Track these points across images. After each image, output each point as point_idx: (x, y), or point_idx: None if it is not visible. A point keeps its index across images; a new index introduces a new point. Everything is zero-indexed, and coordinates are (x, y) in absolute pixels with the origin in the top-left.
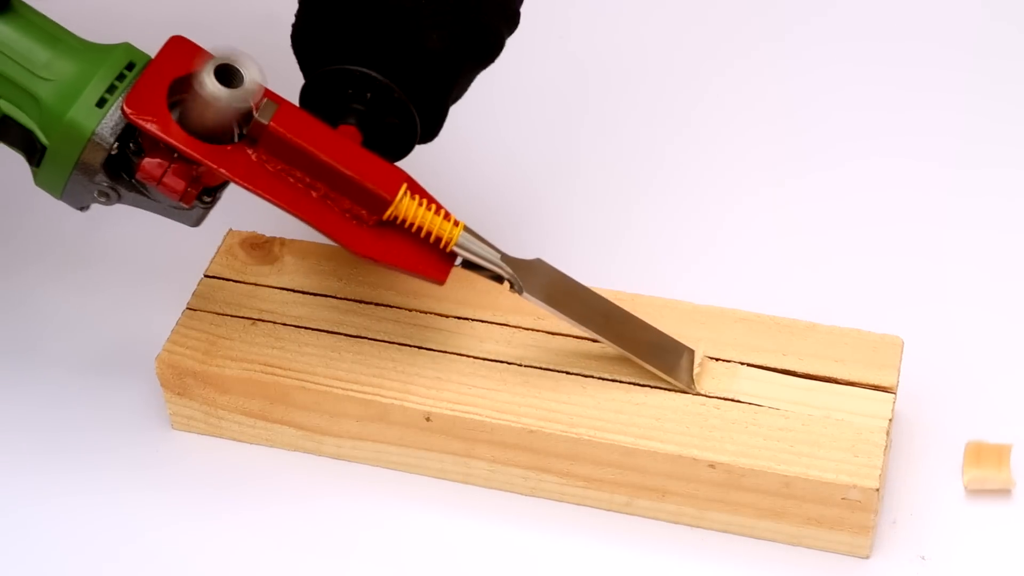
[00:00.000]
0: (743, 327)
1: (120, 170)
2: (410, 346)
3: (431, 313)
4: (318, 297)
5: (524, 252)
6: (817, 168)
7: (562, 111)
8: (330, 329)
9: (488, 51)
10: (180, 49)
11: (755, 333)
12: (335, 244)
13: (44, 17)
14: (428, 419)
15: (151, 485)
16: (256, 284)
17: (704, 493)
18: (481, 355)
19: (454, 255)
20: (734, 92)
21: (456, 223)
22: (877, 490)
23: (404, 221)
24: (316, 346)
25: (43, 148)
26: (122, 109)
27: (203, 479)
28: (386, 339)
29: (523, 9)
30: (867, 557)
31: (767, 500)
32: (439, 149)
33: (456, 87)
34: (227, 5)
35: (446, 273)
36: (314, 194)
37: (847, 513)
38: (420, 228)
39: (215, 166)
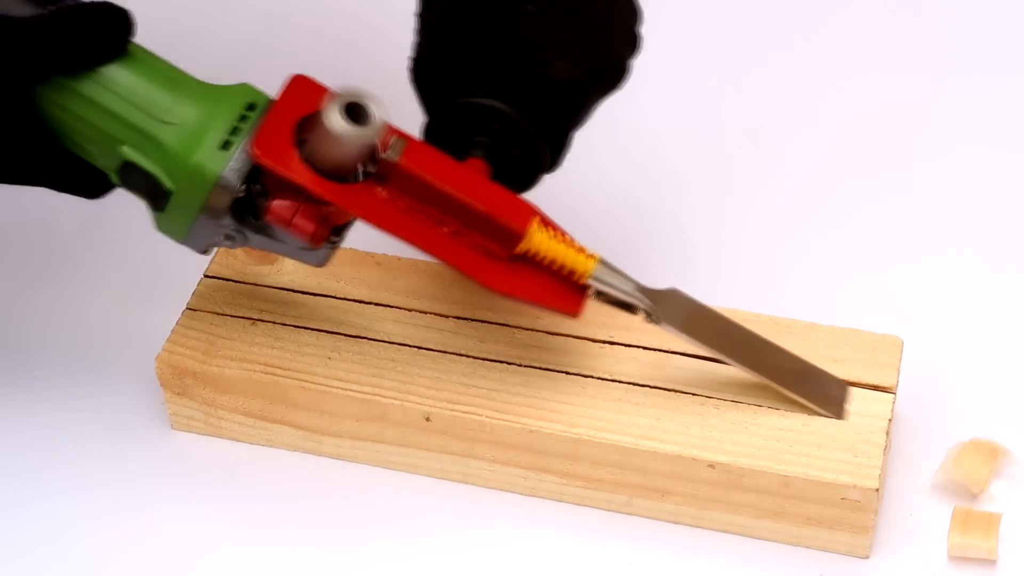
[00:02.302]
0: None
1: (246, 212)
2: (410, 346)
3: (431, 313)
4: (318, 297)
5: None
6: (817, 168)
7: None
8: (330, 329)
9: (613, 77)
10: (303, 88)
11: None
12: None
13: (161, 60)
14: (428, 419)
15: (151, 485)
16: (256, 284)
17: (704, 493)
18: (481, 355)
19: (587, 286)
20: (734, 91)
21: (590, 256)
22: (877, 490)
23: (536, 255)
24: (316, 346)
25: (167, 193)
26: (250, 151)
27: (203, 479)
28: (386, 339)
29: None
30: (867, 557)
31: (767, 500)
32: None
33: (582, 116)
34: (229, 8)
35: (580, 305)
36: (445, 230)
37: (847, 513)
38: (553, 261)
39: (346, 206)
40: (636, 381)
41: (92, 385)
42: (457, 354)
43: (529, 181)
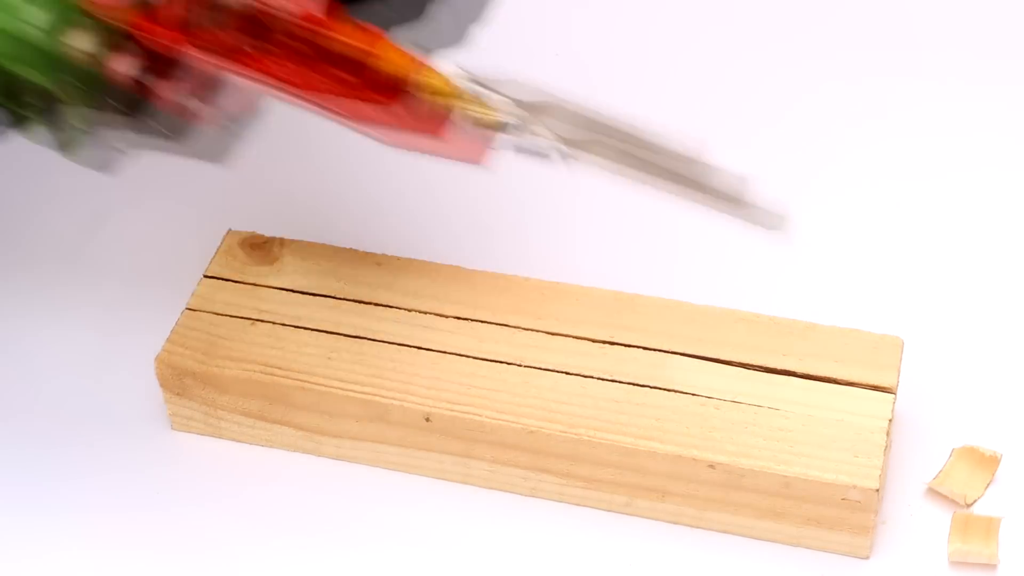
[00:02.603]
0: (743, 327)
1: (141, 111)
2: (410, 346)
3: (431, 313)
4: (318, 297)
5: (522, 256)
6: (817, 167)
7: None
8: (330, 329)
9: None
10: None
11: (755, 333)
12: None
13: None
14: (428, 419)
15: (150, 485)
16: (256, 284)
17: (704, 493)
18: (481, 355)
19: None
20: (734, 91)
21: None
22: (877, 490)
23: (404, 81)
24: (316, 346)
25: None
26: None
27: (202, 479)
28: (386, 339)
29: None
30: (867, 558)
31: (767, 500)
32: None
33: None
34: None
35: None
36: (322, 76)
37: (847, 513)
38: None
39: (216, 61)
40: (636, 381)
41: (92, 385)
42: (457, 354)
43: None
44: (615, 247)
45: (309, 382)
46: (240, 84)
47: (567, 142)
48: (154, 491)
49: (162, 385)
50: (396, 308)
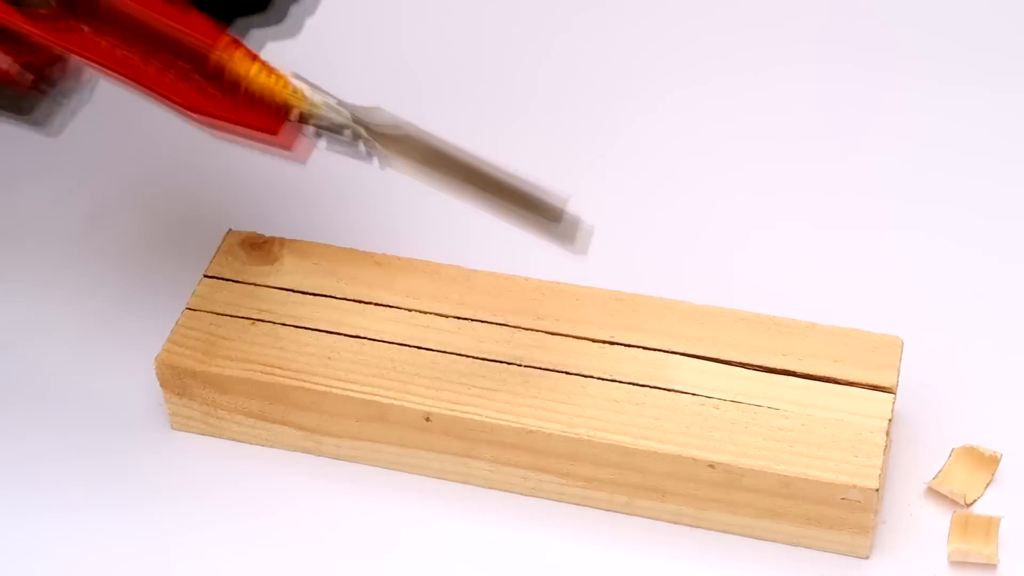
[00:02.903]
0: (743, 327)
1: None
2: (410, 346)
3: (430, 313)
4: (318, 297)
5: (522, 256)
6: (817, 168)
7: (560, 108)
8: (330, 329)
9: None
10: None
11: (755, 333)
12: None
13: None
14: (428, 419)
15: (150, 485)
16: (256, 284)
17: (704, 493)
18: (481, 355)
19: (291, 110)
20: (734, 91)
21: (291, 78)
22: (877, 490)
23: (240, 83)
24: (316, 346)
25: None
26: None
27: (202, 479)
28: (386, 339)
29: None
30: (867, 557)
31: (767, 500)
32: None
33: None
34: None
35: (282, 127)
36: (155, 63)
37: (847, 513)
38: (262, 86)
39: (49, 40)
40: (636, 381)
41: (91, 385)
42: (457, 354)
43: (233, 13)
44: (615, 247)
45: (309, 382)
46: (71, 61)
47: (385, 145)
48: (154, 491)
49: (162, 385)
50: (396, 308)
